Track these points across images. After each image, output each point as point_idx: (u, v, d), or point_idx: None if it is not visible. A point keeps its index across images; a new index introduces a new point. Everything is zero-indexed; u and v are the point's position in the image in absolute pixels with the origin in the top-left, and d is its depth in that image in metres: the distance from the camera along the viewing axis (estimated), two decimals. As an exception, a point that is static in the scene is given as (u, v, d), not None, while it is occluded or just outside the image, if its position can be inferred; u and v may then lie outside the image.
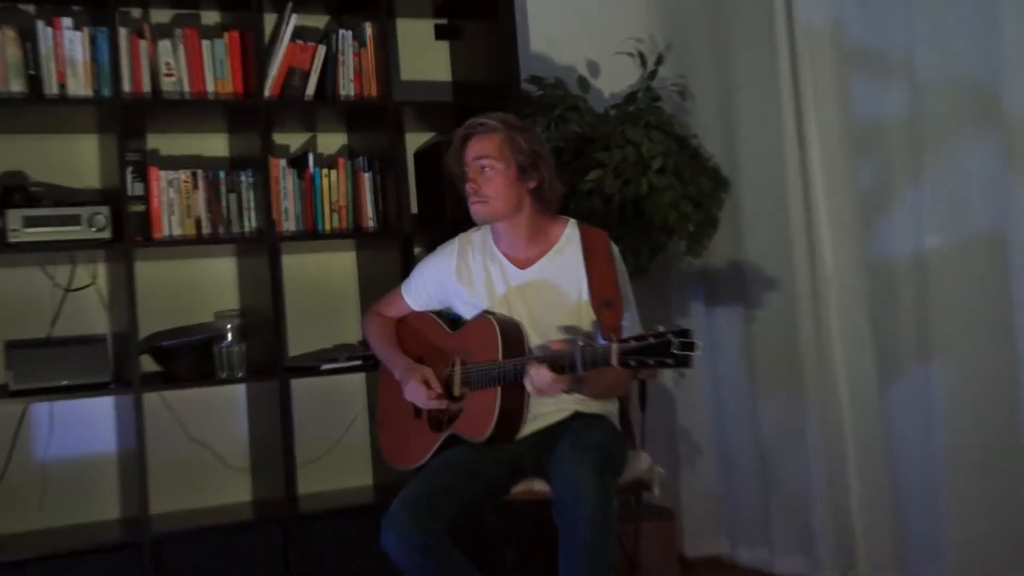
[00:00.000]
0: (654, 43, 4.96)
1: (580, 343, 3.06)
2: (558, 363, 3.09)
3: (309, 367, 4.20)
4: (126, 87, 3.99)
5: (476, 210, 3.38)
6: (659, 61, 4.72)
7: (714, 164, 4.67)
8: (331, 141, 4.56)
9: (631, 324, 3.27)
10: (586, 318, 3.34)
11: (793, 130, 4.31)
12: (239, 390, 4.33)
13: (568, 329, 3.32)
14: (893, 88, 3.95)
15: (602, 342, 3.03)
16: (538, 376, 3.10)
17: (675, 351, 2.85)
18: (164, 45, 4.09)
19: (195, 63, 4.12)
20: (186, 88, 4.11)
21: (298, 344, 4.42)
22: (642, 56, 4.71)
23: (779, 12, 4.34)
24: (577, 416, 3.38)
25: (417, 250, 4.42)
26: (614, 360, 2.95)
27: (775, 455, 4.49)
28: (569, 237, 3.44)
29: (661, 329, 2.89)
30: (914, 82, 3.86)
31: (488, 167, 3.35)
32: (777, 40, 4.35)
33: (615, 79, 4.89)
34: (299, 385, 4.33)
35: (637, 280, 3.99)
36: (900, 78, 3.92)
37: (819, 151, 4.25)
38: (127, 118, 3.96)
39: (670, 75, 4.84)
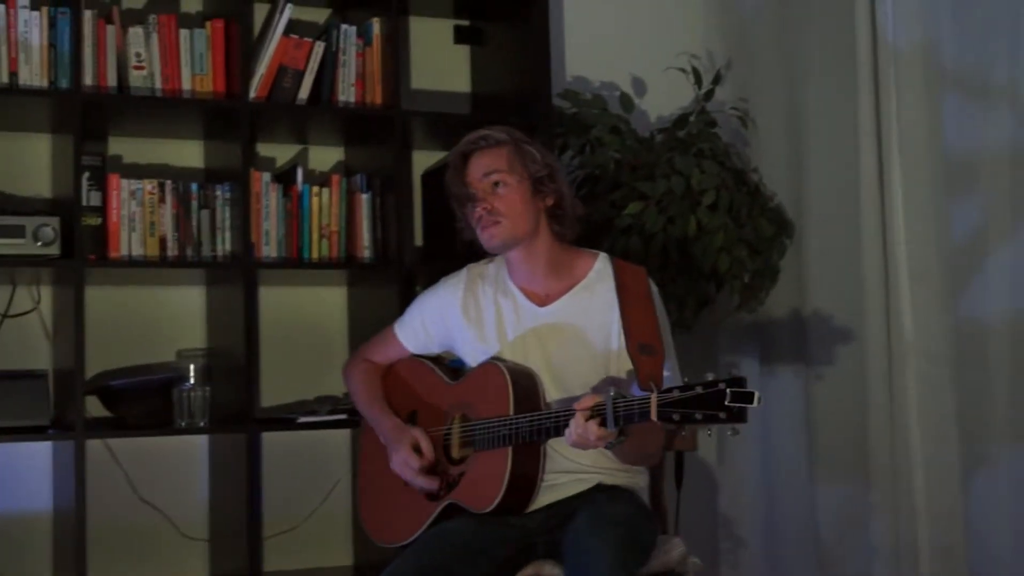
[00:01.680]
0: (711, 60, 4.98)
1: (611, 392, 3.02)
2: (595, 413, 3.04)
3: (284, 419, 4.17)
4: (88, 79, 4.00)
5: (492, 233, 3.35)
6: (717, 80, 4.72)
7: (777, 204, 4.68)
8: (324, 156, 4.57)
9: (672, 376, 3.25)
10: (617, 368, 3.31)
11: (873, 165, 4.30)
12: (200, 443, 4.31)
13: (594, 381, 3.29)
14: (993, 118, 3.95)
15: (639, 392, 2.99)
16: (583, 427, 3.03)
17: (728, 403, 2.81)
18: (135, 33, 4.10)
19: (170, 55, 4.12)
20: (158, 84, 4.11)
21: (273, 393, 4.42)
22: (697, 73, 4.72)
23: (862, 27, 4.34)
24: (599, 488, 3.34)
25: (419, 288, 4.39)
26: (654, 414, 2.90)
27: (833, 551, 4.45)
28: (600, 273, 3.42)
29: (711, 377, 2.86)
30: (1017, 111, 3.84)
31: (500, 182, 3.35)
32: (858, 60, 4.35)
33: (664, 99, 4.92)
34: (271, 441, 4.31)
35: (679, 336, 3.97)
36: (1001, 105, 3.92)
37: (902, 190, 4.24)
38: (87, 115, 3.95)
39: (729, 98, 4.86)
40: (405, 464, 3.37)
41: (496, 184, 3.35)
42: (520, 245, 3.38)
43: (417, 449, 3.37)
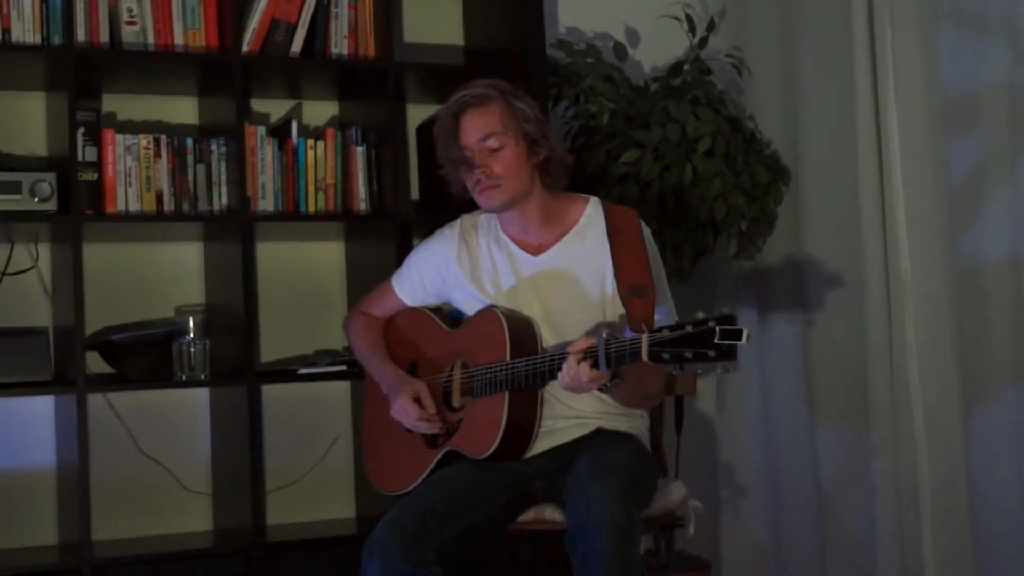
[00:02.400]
0: (705, 8, 4.98)
1: (603, 335, 3.05)
2: (588, 355, 3.06)
3: (284, 371, 4.21)
4: (80, 35, 4.02)
5: (491, 196, 3.35)
6: (711, 27, 4.73)
7: (773, 151, 4.68)
8: (319, 111, 4.59)
9: (666, 319, 3.24)
10: (612, 313, 3.34)
11: (869, 108, 4.33)
12: (201, 396, 4.35)
13: (590, 327, 3.32)
14: (990, 54, 3.96)
15: (630, 334, 3.01)
16: (575, 369, 3.06)
17: (718, 341, 2.83)
18: (127, -12, 4.13)
19: (162, 10, 4.15)
20: (150, 39, 4.13)
21: (272, 348, 4.45)
22: (691, 21, 4.72)
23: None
24: (599, 433, 3.38)
25: (416, 241, 4.43)
26: (644, 353, 2.93)
27: (835, 497, 4.48)
28: (591, 218, 3.43)
29: (701, 316, 2.89)
30: (1016, 46, 3.87)
31: (496, 145, 3.34)
32: (852, 4, 4.37)
33: (658, 48, 4.92)
34: (272, 394, 4.35)
35: (676, 286, 3.99)
36: (999, 41, 3.93)
37: (899, 131, 4.26)
38: (80, 71, 3.98)
39: (723, 46, 4.87)
40: (405, 411, 3.41)
41: (492, 148, 3.34)
42: (515, 204, 3.40)
43: (417, 399, 3.41)
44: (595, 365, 3.04)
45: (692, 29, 4.72)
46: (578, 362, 3.05)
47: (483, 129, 3.34)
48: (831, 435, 4.51)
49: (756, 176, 4.50)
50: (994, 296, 4.00)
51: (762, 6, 4.88)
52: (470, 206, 3.55)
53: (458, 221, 3.58)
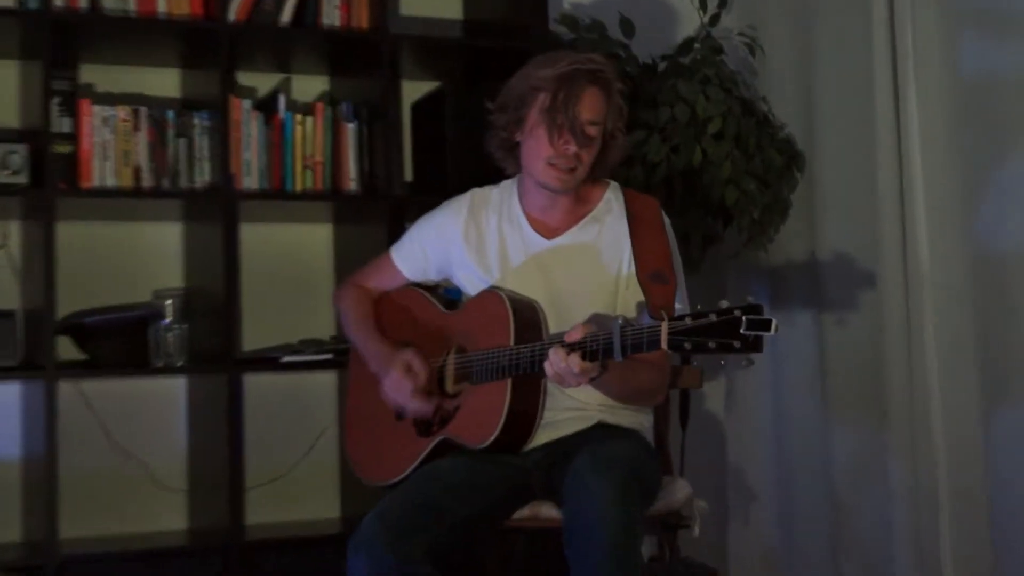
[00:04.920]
0: (717, -16, 5.00)
1: (620, 321, 3.03)
2: (589, 346, 3.04)
3: (266, 359, 4.22)
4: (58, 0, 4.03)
5: (564, 179, 3.32)
6: (723, 4, 4.75)
7: (787, 134, 4.68)
8: (308, 86, 4.61)
9: (683, 309, 3.20)
10: (626, 298, 3.35)
11: (888, 91, 4.35)
12: (178, 386, 4.38)
13: (599, 314, 3.32)
14: (1013, 42, 3.98)
15: (649, 320, 3.00)
16: (565, 360, 3.04)
17: (744, 331, 2.80)
18: (107, -49, 4.15)
19: (145, -25, 4.17)
20: (132, 6, 4.16)
21: (254, 336, 4.47)
22: (702, -3, 4.74)
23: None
24: (601, 427, 3.38)
25: (408, 224, 4.43)
26: (664, 342, 2.90)
27: (849, 501, 4.49)
28: (610, 202, 3.45)
29: (725, 304, 2.87)
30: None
31: (595, 136, 3.33)
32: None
33: (667, 26, 4.95)
34: (254, 384, 4.34)
35: (685, 276, 4.00)
36: (1020, 33, 3.95)
37: (918, 117, 4.28)
38: (57, 37, 4.00)
39: (736, 25, 4.88)
40: (397, 387, 3.37)
41: (590, 136, 3.31)
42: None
43: (410, 371, 3.38)
44: (610, 352, 3.01)
45: (703, 6, 4.71)
46: (568, 353, 3.03)
47: (598, 113, 3.32)
48: (846, 435, 4.52)
49: (769, 160, 4.50)
50: (1016, 290, 4.00)
51: (777, -15, 4.89)
52: (465, 187, 3.57)
53: (468, 195, 3.57)
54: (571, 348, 3.04)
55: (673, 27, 4.96)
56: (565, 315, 3.33)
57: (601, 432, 3.35)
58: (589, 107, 3.29)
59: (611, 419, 3.39)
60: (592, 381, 3.11)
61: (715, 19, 4.72)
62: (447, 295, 3.63)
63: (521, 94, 3.35)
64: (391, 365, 3.40)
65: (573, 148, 3.29)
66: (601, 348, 3.02)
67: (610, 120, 3.34)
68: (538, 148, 3.32)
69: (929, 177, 4.26)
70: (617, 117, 3.37)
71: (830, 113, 4.63)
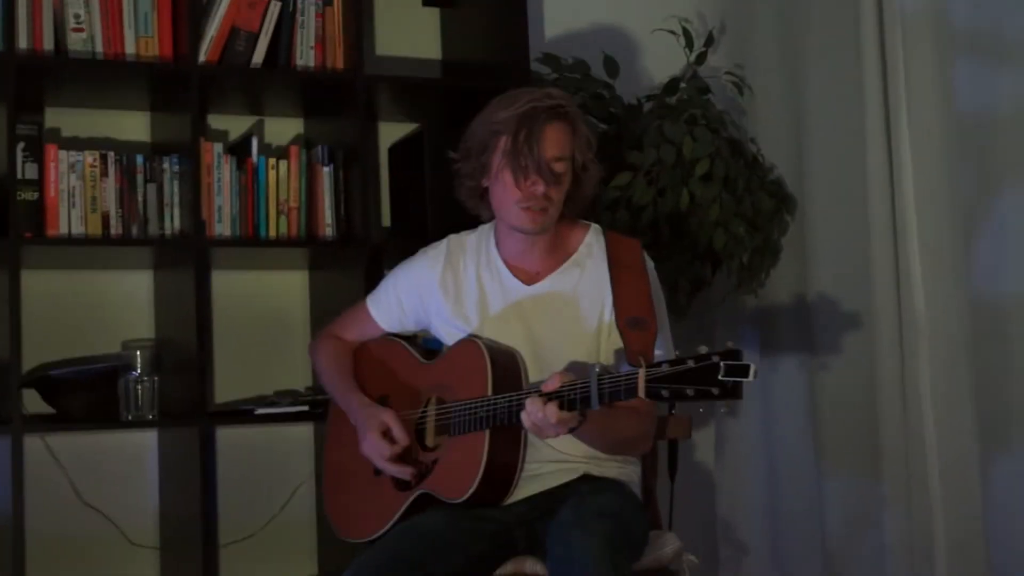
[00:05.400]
0: (704, 23, 5.01)
1: (596, 368, 3.01)
2: (566, 395, 3.02)
3: (240, 411, 4.20)
4: (22, 42, 4.01)
5: (537, 219, 3.30)
6: (709, 42, 4.77)
7: (777, 176, 4.70)
8: (282, 128, 4.60)
9: (665, 354, 3.23)
10: (607, 348, 3.33)
11: (880, 132, 4.36)
12: (148, 440, 4.34)
13: (579, 362, 3.29)
14: (1009, 77, 3.99)
15: (627, 368, 2.99)
16: (543, 410, 3.01)
17: (722, 377, 2.80)
18: (74, -8, 4.13)
19: (112, 17, 4.14)
20: (99, 47, 4.13)
21: (227, 388, 4.45)
22: (688, 35, 4.74)
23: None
24: (586, 479, 3.35)
25: (387, 270, 4.40)
26: (641, 389, 2.89)
27: (842, 553, 4.48)
28: (591, 246, 3.44)
29: (704, 350, 2.86)
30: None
31: (563, 171, 3.31)
32: (862, 20, 4.40)
33: (652, 65, 4.96)
34: (227, 438, 4.35)
35: (672, 323, 3.96)
36: (1017, 65, 3.95)
37: (912, 158, 4.29)
38: (22, 80, 3.96)
39: (723, 64, 4.90)
40: (374, 450, 3.36)
41: (558, 173, 3.30)
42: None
43: (387, 435, 3.36)
44: (587, 401, 2.99)
45: (689, 44, 4.74)
46: (544, 402, 3.00)
47: (563, 148, 3.31)
48: (839, 485, 4.52)
49: (759, 203, 4.50)
50: (1014, 335, 4.00)
51: (764, 21, 4.91)
52: (444, 232, 3.56)
53: (444, 242, 3.56)
54: (548, 397, 3.02)
55: (658, 66, 4.95)
56: (546, 364, 3.31)
57: (586, 484, 3.33)
58: (553, 143, 3.28)
59: (596, 471, 3.37)
60: (572, 431, 3.08)
61: (702, 58, 4.74)
62: (426, 345, 3.61)
63: (483, 139, 3.35)
64: (370, 426, 3.39)
65: (541, 188, 3.27)
66: (579, 397, 3.01)
67: (578, 153, 3.34)
68: (506, 193, 3.31)
69: (924, 220, 4.27)
70: (586, 148, 3.36)
71: (821, 154, 4.64)
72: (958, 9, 4.18)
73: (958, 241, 4.17)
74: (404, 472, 3.35)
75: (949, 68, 4.19)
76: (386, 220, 4.62)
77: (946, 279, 4.21)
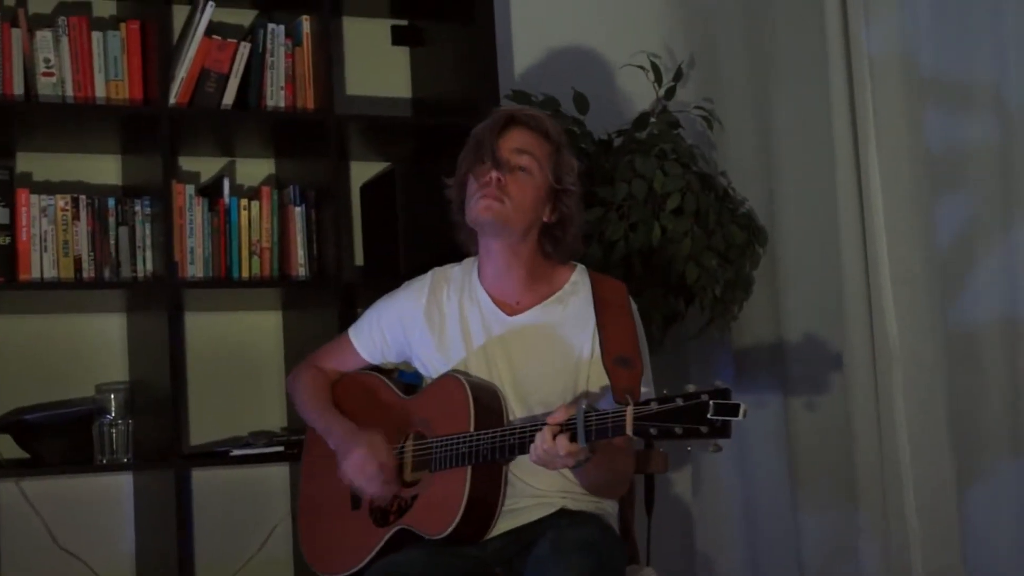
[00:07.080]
0: (673, 58, 5.06)
1: (583, 405, 3.05)
2: (566, 429, 3.05)
3: (215, 452, 4.21)
4: (-8, 88, 4.05)
5: (489, 206, 3.34)
6: (678, 77, 4.80)
7: (748, 209, 4.73)
8: (253, 169, 4.63)
9: (649, 393, 3.22)
10: (587, 385, 3.37)
11: (850, 165, 4.39)
12: (124, 483, 4.35)
13: (557, 397, 3.32)
14: (977, 119, 4.04)
15: (610, 405, 3.03)
16: (551, 442, 3.04)
17: (711, 416, 2.84)
18: (43, 36, 4.15)
19: (83, 61, 4.19)
20: (69, 91, 4.17)
21: (202, 430, 4.46)
22: (657, 71, 4.78)
23: (832, 24, 4.44)
24: (563, 513, 3.37)
25: (360, 310, 4.44)
26: (629, 427, 2.93)
27: (821, 584, 4.48)
28: (576, 284, 3.48)
29: (692, 388, 2.90)
30: (1003, 114, 3.95)
31: (526, 166, 3.37)
32: (830, 55, 4.45)
33: (621, 100, 5.00)
34: (202, 480, 4.35)
35: (647, 357, 4.03)
36: (985, 109, 4.02)
37: (882, 188, 4.33)
38: (-8, 126, 4.00)
39: (692, 99, 4.94)
40: (364, 466, 3.34)
41: (522, 165, 3.36)
42: (502, 238, 3.40)
43: (373, 448, 3.36)
44: (573, 438, 3.02)
45: (658, 79, 4.78)
46: (554, 435, 3.03)
47: (525, 145, 3.38)
48: (815, 517, 4.53)
49: (730, 236, 4.54)
50: (987, 364, 4.03)
51: (733, 55, 4.96)
52: (417, 270, 3.60)
53: (429, 275, 3.59)
54: (560, 429, 3.04)
55: (628, 102, 5.01)
56: (526, 401, 3.35)
57: (565, 518, 3.34)
58: (515, 139, 3.39)
59: (573, 505, 3.39)
60: (576, 466, 3.11)
61: (671, 92, 4.78)
62: (403, 379, 3.64)
63: (462, 157, 3.44)
64: (354, 444, 3.38)
65: (494, 173, 3.33)
66: (570, 432, 3.03)
67: (545, 161, 3.38)
68: (468, 190, 3.40)
69: (895, 251, 4.30)
70: (558, 167, 3.40)
71: (791, 186, 4.68)
72: (924, 52, 4.24)
73: (930, 271, 4.20)
74: (388, 489, 3.35)
75: (917, 106, 4.24)
76: (359, 259, 4.65)
77: (918, 309, 4.23)
